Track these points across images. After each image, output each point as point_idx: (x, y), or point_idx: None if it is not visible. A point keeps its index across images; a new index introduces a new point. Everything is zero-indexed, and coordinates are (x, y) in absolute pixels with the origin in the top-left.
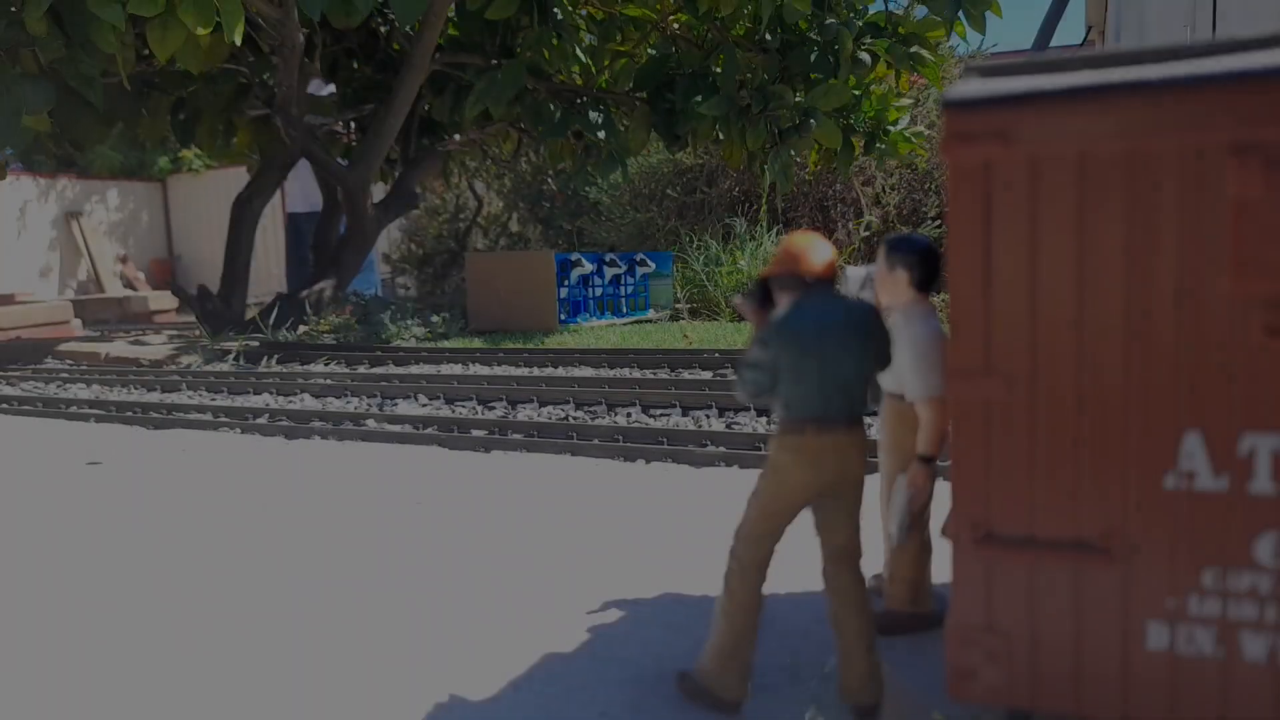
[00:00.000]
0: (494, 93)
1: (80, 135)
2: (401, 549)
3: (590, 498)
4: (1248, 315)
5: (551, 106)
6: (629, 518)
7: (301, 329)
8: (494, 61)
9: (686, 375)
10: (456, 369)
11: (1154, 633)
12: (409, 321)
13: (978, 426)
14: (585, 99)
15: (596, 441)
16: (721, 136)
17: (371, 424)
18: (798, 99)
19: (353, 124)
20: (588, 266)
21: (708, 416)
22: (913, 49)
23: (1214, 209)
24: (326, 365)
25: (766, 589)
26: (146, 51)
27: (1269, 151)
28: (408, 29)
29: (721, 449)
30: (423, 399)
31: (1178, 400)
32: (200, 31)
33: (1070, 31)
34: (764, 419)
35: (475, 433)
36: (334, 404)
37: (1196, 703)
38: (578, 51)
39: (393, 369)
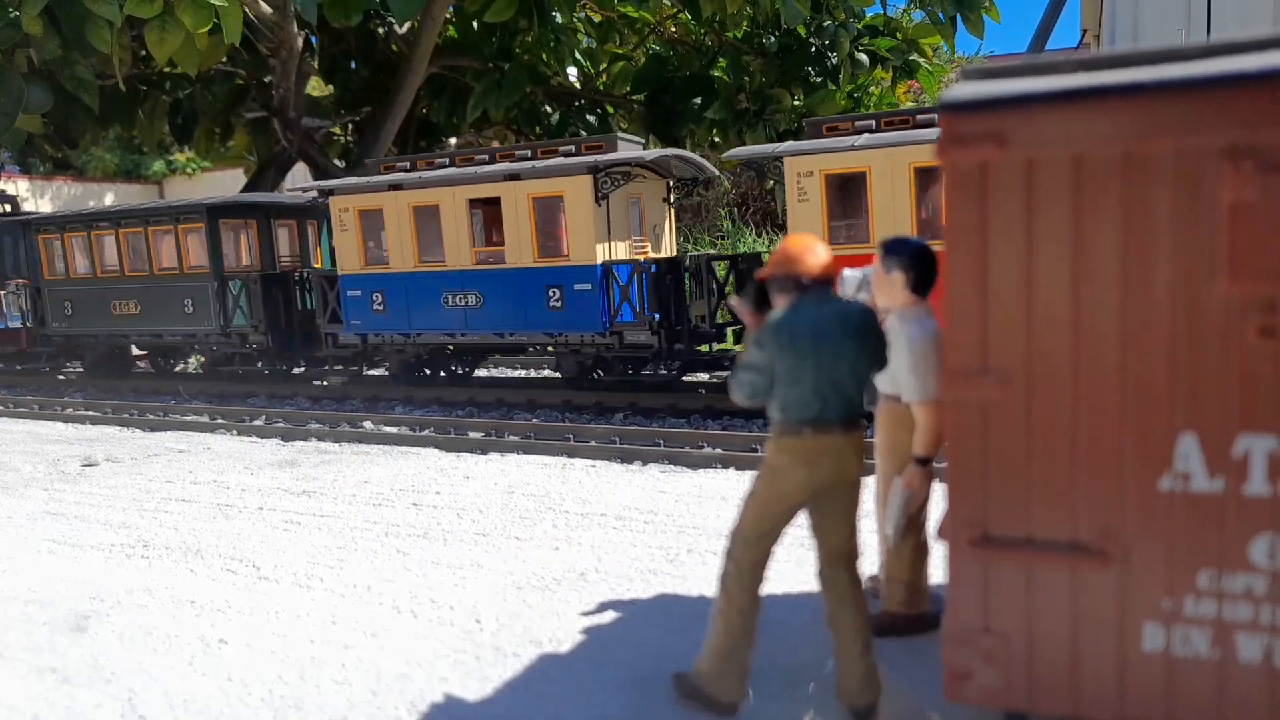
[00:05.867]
0: (495, 96)
1: (76, 135)
2: (398, 549)
3: (587, 499)
4: (1243, 317)
5: (549, 109)
6: (626, 519)
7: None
8: (491, 64)
9: (684, 377)
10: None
11: (1150, 634)
12: None
13: (974, 427)
14: (583, 101)
15: (593, 443)
16: (719, 139)
17: (368, 425)
18: (795, 103)
19: (350, 126)
20: None
21: (704, 419)
22: (911, 56)
23: (1209, 212)
24: (323, 367)
25: (763, 590)
26: (144, 53)
27: (1264, 154)
28: (405, 31)
29: (718, 451)
30: (419, 400)
31: (1173, 402)
32: (199, 33)
33: (1065, 35)
34: (760, 421)
35: (472, 435)
36: (331, 405)
37: (1192, 704)
38: (575, 54)
39: (389, 371)
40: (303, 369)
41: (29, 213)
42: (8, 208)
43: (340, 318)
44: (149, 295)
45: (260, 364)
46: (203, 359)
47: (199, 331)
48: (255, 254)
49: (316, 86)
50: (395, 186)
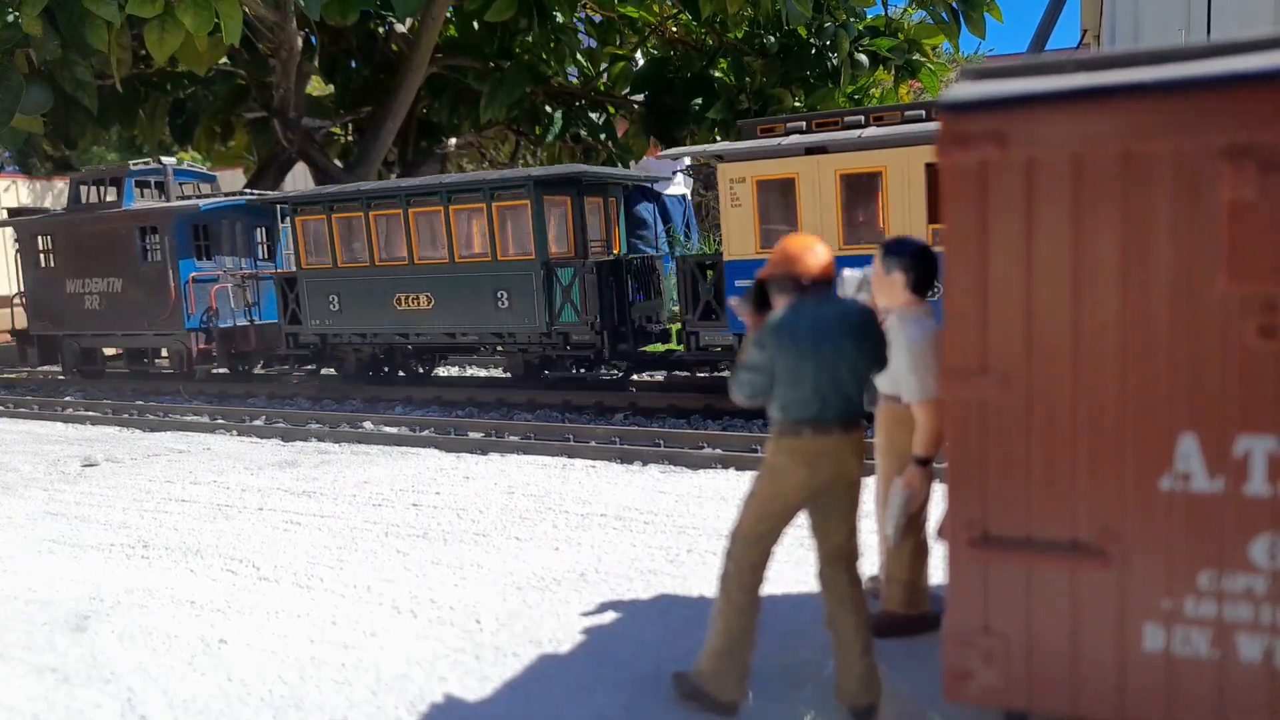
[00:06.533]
0: (499, 95)
1: (75, 136)
2: (398, 549)
3: (587, 500)
4: (1243, 317)
5: (550, 109)
6: (626, 519)
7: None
8: (492, 64)
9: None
10: (453, 371)
11: (1150, 634)
12: None
13: (974, 427)
14: (584, 101)
15: (593, 444)
16: (720, 140)
17: (368, 426)
18: (796, 104)
19: (350, 126)
20: None
21: (704, 419)
22: (913, 56)
23: (1209, 211)
24: (322, 369)
25: (763, 590)
26: (144, 53)
27: (1263, 154)
28: (405, 31)
29: (718, 451)
30: (419, 401)
31: (1173, 402)
32: (199, 34)
33: (1066, 35)
34: (760, 421)
35: (472, 435)
36: (331, 406)
37: (1193, 704)
38: (576, 54)
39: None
40: (620, 373)
41: (260, 192)
42: (207, 188)
43: (716, 313)
44: (448, 287)
45: (590, 368)
46: (509, 362)
47: (509, 329)
48: (569, 236)
49: (317, 86)
50: (816, 149)
